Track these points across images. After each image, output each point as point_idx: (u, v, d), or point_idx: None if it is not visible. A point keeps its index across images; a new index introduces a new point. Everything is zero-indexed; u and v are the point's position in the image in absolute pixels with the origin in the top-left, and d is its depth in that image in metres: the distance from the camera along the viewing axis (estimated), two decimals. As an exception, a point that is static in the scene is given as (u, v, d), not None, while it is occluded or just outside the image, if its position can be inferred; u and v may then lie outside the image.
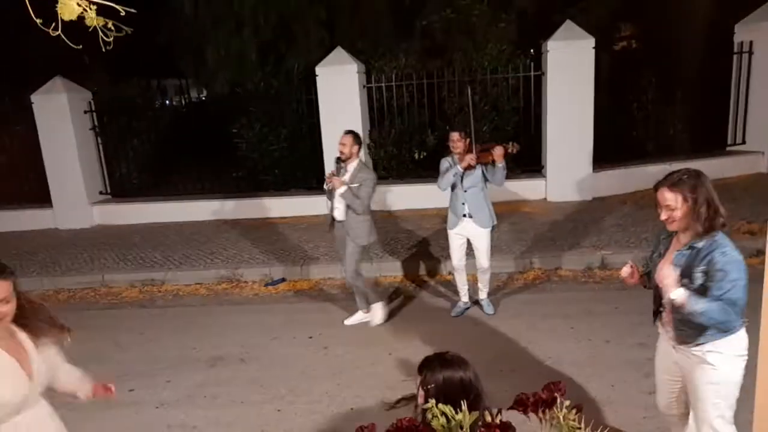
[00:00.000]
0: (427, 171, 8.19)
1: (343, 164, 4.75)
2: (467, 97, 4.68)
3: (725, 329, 2.31)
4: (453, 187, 4.79)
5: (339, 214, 4.80)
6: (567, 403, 1.26)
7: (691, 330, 2.40)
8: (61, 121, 8.72)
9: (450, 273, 5.67)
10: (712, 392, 2.41)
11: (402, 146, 8.83)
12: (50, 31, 1.35)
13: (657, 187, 2.39)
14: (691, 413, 2.63)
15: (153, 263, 6.93)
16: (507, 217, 7.37)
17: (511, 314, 5.07)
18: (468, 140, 4.68)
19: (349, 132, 4.78)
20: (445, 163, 4.83)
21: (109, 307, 6.12)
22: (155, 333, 5.25)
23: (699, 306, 2.23)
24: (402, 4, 10.86)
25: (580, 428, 1.26)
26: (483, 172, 4.71)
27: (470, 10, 9.38)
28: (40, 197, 9.11)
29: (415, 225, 7.53)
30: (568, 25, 8.03)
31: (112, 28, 1.42)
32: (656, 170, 8.35)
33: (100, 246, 7.78)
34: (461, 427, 1.28)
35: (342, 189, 4.66)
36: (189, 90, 10.96)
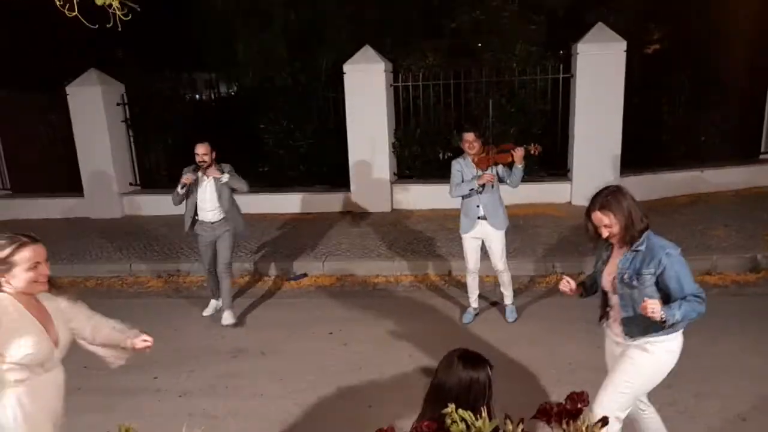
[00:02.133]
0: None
1: (202, 172, 5.08)
2: (489, 97, 4.62)
3: (694, 319, 2.55)
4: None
5: (213, 215, 5.13)
6: (591, 415, 1.23)
7: (637, 327, 2.66)
8: (94, 113, 8.92)
9: (462, 277, 5.61)
10: (628, 374, 2.66)
11: (426, 146, 8.83)
12: (66, 12, 1.40)
13: (589, 211, 2.71)
14: (649, 407, 2.89)
15: (179, 254, 7.07)
16: (531, 220, 7.32)
17: (532, 318, 5.05)
18: (482, 140, 4.60)
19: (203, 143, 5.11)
20: (456, 165, 4.72)
21: (135, 296, 6.27)
22: (179, 323, 5.37)
23: (678, 315, 2.47)
24: (431, 4, 10.81)
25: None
26: (498, 173, 4.62)
27: (500, 11, 9.30)
28: (73, 187, 9.35)
29: (438, 225, 7.52)
30: (599, 27, 7.92)
31: (119, 6, 1.45)
32: (685, 177, 8.28)
33: (129, 236, 7.95)
34: None
35: (225, 178, 5.05)
36: (219, 84, 11.07)
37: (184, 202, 5.16)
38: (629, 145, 8.01)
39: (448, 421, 1.29)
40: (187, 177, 5.02)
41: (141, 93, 9.51)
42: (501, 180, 4.65)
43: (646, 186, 8.12)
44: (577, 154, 8.09)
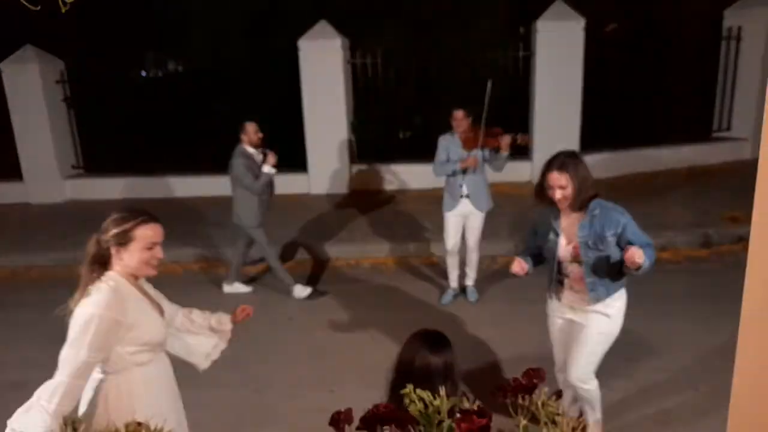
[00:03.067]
0: (413, 151, 8.06)
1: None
2: (486, 84, 4.50)
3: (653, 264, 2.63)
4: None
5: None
6: (545, 389, 1.24)
7: (602, 289, 2.76)
8: (32, 92, 8.37)
9: (438, 257, 5.57)
10: (596, 341, 2.82)
11: (386, 126, 8.67)
12: None
13: (546, 171, 2.74)
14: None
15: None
16: (492, 199, 7.29)
17: (495, 299, 5.03)
18: (471, 119, 4.54)
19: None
20: (443, 141, 4.65)
21: (81, 285, 5.92)
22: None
23: (646, 260, 2.55)
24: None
25: (559, 414, 1.24)
26: (483, 155, 4.56)
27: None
28: (11, 170, 8.79)
29: (403, 207, 7.41)
30: (558, 4, 7.89)
31: None
32: (642, 154, 8.41)
33: (73, 222, 7.51)
34: (439, 413, 1.24)
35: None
36: (167, 62, 10.61)
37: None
38: (589, 123, 8.07)
39: (407, 401, 1.25)
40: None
41: (83, 70, 8.97)
42: (486, 161, 4.60)
43: (605, 163, 8.21)
44: (538, 132, 8.09)
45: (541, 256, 3.00)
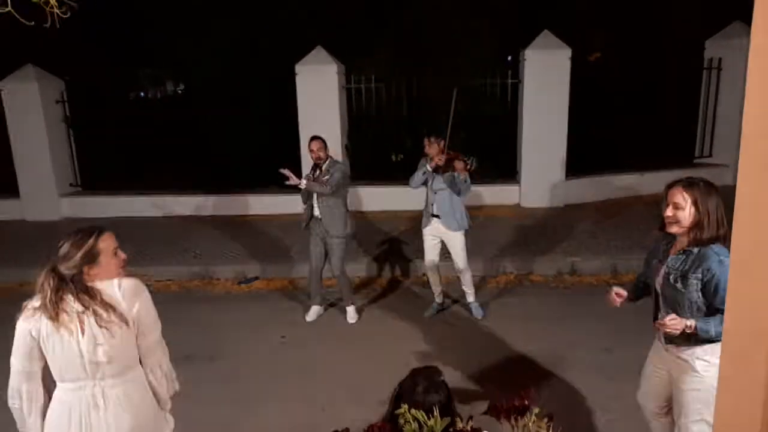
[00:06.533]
0: (403, 173, 8.23)
1: (318, 168, 4.91)
2: (451, 101, 4.74)
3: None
4: (426, 185, 4.86)
5: (318, 211, 4.94)
6: (537, 410, 1.29)
7: (679, 337, 2.44)
8: (31, 111, 8.49)
9: (423, 274, 5.72)
10: (694, 398, 2.45)
11: (379, 148, 8.86)
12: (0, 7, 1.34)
13: (671, 185, 2.43)
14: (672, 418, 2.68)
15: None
16: (481, 221, 7.45)
17: (483, 316, 5.15)
18: (442, 143, 4.73)
19: (316, 137, 4.88)
20: (422, 161, 4.91)
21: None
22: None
23: (713, 331, 2.27)
24: (381, 6, 10.85)
25: (548, 436, 1.28)
26: (452, 178, 4.75)
27: (450, 16, 9.43)
28: (8, 187, 8.87)
29: (389, 226, 7.56)
30: (545, 35, 8.17)
31: (56, 4, 1.40)
32: (627, 179, 8.63)
33: (69, 239, 7.59)
34: None
35: (303, 184, 4.79)
36: (165, 83, 10.77)
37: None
38: (575, 148, 8.30)
39: (401, 421, 1.31)
40: (301, 182, 4.79)
41: (82, 90, 9.12)
42: (453, 186, 4.77)
43: (590, 188, 8.44)
44: (525, 157, 8.31)
45: (648, 285, 2.69)
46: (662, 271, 2.49)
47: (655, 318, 2.61)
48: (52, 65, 9.07)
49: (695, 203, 2.33)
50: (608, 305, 2.67)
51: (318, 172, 4.90)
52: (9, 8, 1.29)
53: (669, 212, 2.39)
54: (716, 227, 2.33)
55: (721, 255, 2.30)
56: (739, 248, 0.84)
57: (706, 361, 2.40)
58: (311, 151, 4.84)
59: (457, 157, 4.60)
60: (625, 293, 2.65)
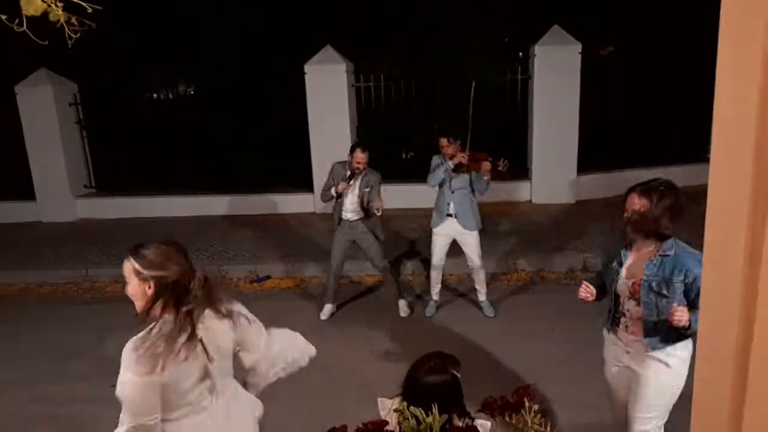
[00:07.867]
0: (413, 171, 8.22)
1: (356, 175, 4.98)
2: (468, 101, 4.73)
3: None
4: (441, 185, 4.83)
5: (351, 215, 5.04)
6: (534, 407, 1.29)
7: (659, 336, 2.50)
8: (45, 114, 8.63)
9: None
10: (654, 392, 2.54)
11: (388, 146, 8.85)
12: (15, 27, 1.36)
13: (629, 191, 2.52)
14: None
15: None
16: (492, 218, 7.44)
17: (494, 314, 5.14)
18: (458, 143, 4.71)
19: (363, 148, 4.97)
20: (436, 159, 4.86)
21: (92, 302, 6.08)
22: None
23: (696, 327, 2.28)
24: (388, 5, 10.84)
25: (544, 432, 1.29)
26: (471, 177, 4.76)
27: (458, 13, 9.40)
28: (24, 190, 9.01)
29: (400, 225, 7.57)
30: (555, 30, 8.12)
31: (76, 23, 1.41)
32: (637, 175, 8.45)
33: (84, 240, 7.71)
34: (431, 430, 1.30)
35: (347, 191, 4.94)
36: (177, 84, 10.85)
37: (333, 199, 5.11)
38: (586, 144, 8.24)
39: (401, 417, 1.32)
40: (341, 185, 4.91)
41: (95, 92, 9.23)
42: (471, 185, 4.78)
43: (601, 184, 8.38)
44: (536, 154, 8.27)
45: (604, 286, 2.73)
46: (634, 279, 2.53)
47: (613, 321, 2.67)
48: (65, 69, 9.18)
49: (651, 208, 2.41)
50: (582, 301, 2.71)
51: (354, 178, 4.95)
52: (24, 28, 1.31)
53: (626, 214, 2.50)
54: (667, 225, 2.42)
55: (697, 256, 2.38)
56: (713, 245, 0.86)
57: (676, 356, 2.51)
58: (358, 162, 4.87)
59: (485, 158, 4.57)
60: (594, 290, 2.69)
